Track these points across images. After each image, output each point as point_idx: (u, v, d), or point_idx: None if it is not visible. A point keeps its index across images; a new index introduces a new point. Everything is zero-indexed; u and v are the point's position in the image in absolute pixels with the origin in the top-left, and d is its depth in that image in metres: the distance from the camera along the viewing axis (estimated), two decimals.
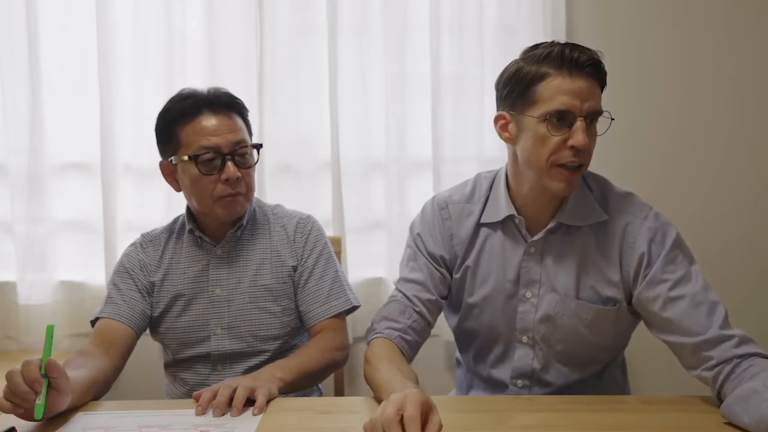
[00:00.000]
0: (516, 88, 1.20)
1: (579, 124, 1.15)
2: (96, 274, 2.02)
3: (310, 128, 2.04)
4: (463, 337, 1.40)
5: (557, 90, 1.15)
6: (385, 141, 2.03)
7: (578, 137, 1.14)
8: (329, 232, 1.93)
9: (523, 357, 1.29)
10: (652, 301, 1.18)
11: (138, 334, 1.43)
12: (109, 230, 1.99)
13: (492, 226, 1.30)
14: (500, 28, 2.02)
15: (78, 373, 1.17)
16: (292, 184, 2.05)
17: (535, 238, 1.26)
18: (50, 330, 1.02)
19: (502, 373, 1.33)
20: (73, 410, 1.12)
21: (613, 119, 1.19)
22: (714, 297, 1.15)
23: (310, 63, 2.02)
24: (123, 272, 1.47)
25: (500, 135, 1.25)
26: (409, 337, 1.28)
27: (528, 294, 1.27)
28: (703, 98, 2.07)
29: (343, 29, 2.00)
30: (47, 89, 2.00)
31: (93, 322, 1.43)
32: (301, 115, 2.04)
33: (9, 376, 1.02)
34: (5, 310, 2.05)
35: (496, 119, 1.25)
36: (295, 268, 1.48)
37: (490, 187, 1.32)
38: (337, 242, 1.77)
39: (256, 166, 1.47)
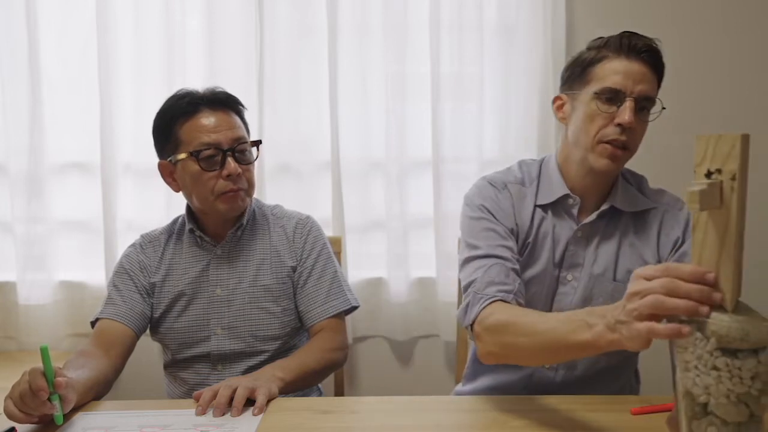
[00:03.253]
0: (575, 70, 1.27)
1: (628, 103, 1.19)
2: (96, 274, 2.03)
3: (310, 128, 2.04)
4: None
5: (612, 70, 1.21)
6: (385, 141, 2.03)
7: (624, 115, 1.18)
8: (329, 232, 1.94)
9: None
10: None
11: (138, 335, 1.43)
12: (109, 230, 2.00)
13: (544, 208, 1.31)
14: (500, 28, 2.02)
15: (78, 374, 1.17)
16: (292, 184, 2.05)
17: (586, 221, 1.28)
18: (45, 351, 1.04)
19: None
20: (73, 410, 1.12)
21: (664, 108, 1.23)
22: None
23: (310, 63, 2.02)
24: (123, 273, 1.47)
25: (556, 115, 1.33)
26: (522, 302, 1.19)
27: (569, 277, 1.29)
28: (703, 98, 2.07)
29: (343, 29, 2.00)
30: (47, 89, 2.00)
31: (93, 323, 1.43)
32: (301, 115, 2.04)
33: (17, 390, 1.04)
34: (5, 310, 2.05)
35: (554, 101, 1.33)
36: (294, 269, 1.49)
37: (539, 171, 1.35)
38: (337, 242, 1.77)
39: (256, 164, 1.48)
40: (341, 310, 1.47)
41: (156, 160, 1.47)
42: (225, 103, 1.43)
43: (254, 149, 1.46)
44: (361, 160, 2.05)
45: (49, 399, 1.02)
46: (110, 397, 1.28)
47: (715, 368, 0.70)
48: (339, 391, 1.75)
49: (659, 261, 1.27)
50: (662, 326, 0.74)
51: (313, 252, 1.49)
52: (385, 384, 2.12)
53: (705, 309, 0.71)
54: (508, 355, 1.11)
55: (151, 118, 1.45)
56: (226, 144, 1.38)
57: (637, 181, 1.35)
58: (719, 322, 0.70)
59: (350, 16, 2.01)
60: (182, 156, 1.39)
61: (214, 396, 1.13)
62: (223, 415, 1.11)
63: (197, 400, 1.15)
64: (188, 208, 1.50)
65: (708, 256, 0.73)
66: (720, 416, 0.71)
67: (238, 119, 1.44)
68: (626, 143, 1.21)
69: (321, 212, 1.97)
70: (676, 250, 1.26)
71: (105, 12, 1.96)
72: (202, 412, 1.12)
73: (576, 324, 0.93)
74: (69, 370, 1.17)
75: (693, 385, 0.72)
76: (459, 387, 1.48)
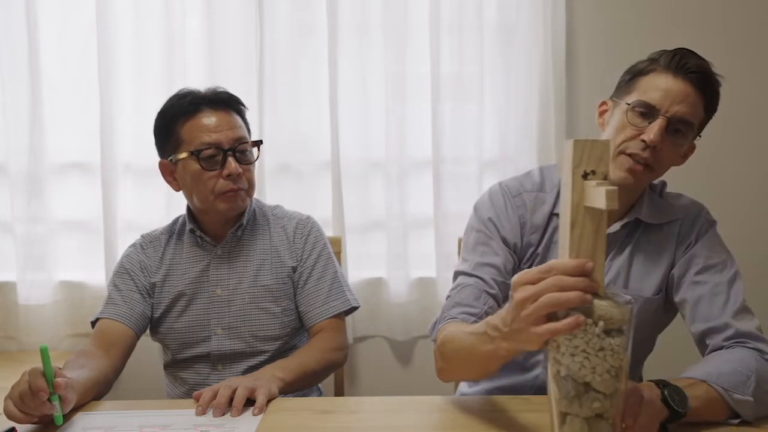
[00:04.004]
0: (625, 78, 1.23)
1: (659, 121, 1.14)
2: (96, 274, 2.03)
3: (310, 128, 2.04)
4: None
5: (654, 84, 1.17)
6: (385, 141, 2.03)
7: (650, 132, 1.14)
8: (329, 232, 1.94)
9: None
10: (682, 277, 1.21)
11: (138, 335, 1.43)
12: (109, 230, 2.00)
13: None
14: (500, 28, 2.02)
15: (78, 374, 1.17)
16: (292, 184, 2.05)
17: (609, 231, 1.25)
18: (45, 351, 1.04)
19: (536, 359, 1.32)
20: (73, 410, 1.12)
21: (700, 136, 1.19)
22: (744, 302, 1.17)
23: (310, 63, 2.02)
24: (123, 273, 1.47)
25: (597, 121, 1.28)
26: None
27: None
28: None
29: (343, 29, 2.00)
30: (47, 89, 2.00)
31: (93, 323, 1.43)
32: (301, 115, 2.04)
33: (16, 390, 1.03)
34: (5, 310, 2.05)
35: (600, 105, 1.28)
36: (294, 269, 1.49)
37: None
38: (337, 242, 1.78)
39: (256, 164, 1.48)
40: (341, 310, 1.47)
41: (156, 159, 1.47)
42: (226, 102, 1.43)
43: (255, 149, 1.46)
44: (361, 160, 2.05)
45: (49, 399, 1.02)
46: (110, 397, 1.28)
47: (602, 349, 0.78)
48: (339, 391, 1.75)
49: (673, 266, 1.26)
50: (562, 323, 0.78)
51: (314, 252, 1.49)
52: (385, 384, 2.12)
53: (589, 297, 0.78)
54: (452, 370, 1.13)
55: (151, 118, 1.45)
56: (227, 144, 1.39)
57: (659, 187, 1.32)
58: (604, 307, 0.78)
59: (350, 16, 2.01)
60: (183, 155, 1.39)
61: (214, 396, 1.13)
62: (223, 415, 1.11)
63: (197, 400, 1.15)
64: (189, 208, 1.50)
65: (585, 248, 0.79)
66: (602, 391, 0.79)
67: (239, 119, 1.44)
68: (648, 161, 1.16)
69: (321, 212, 1.97)
70: (685, 251, 1.24)
71: (105, 12, 1.96)
72: (202, 412, 1.11)
73: (481, 337, 0.96)
74: (69, 370, 1.17)
75: (580, 368, 0.79)
76: (464, 388, 1.48)
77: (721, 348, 1.12)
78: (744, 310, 1.16)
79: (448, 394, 1.59)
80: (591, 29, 2.04)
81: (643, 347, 1.34)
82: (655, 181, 1.32)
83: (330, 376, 1.50)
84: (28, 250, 2.01)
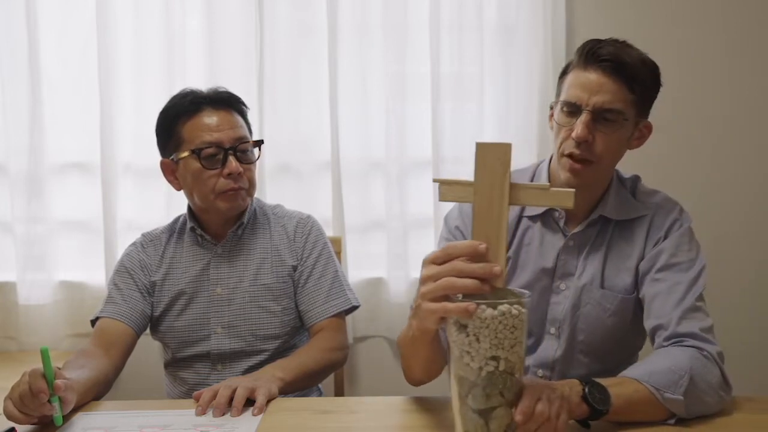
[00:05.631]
0: (558, 80, 1.25)
1: (582, 116, 1.15)
2: (96, 274, 2.02)
3: (310, 128, 2.04)
4: None
5: (571, 82, 1.18)
6: (385, 141, 2.03)
7: (577, 129, 1.15)
8: (329, 232, 1.93)
9: (546, 348, 1.29)
10: (646, 274, 1.21)
11: (138, 334, 1.43)
12: (109, 230, 2.00)
13: (532, 218, 1.30)
14: (500, 28, 2.02)
15: (78, 374, 1.17)
16: (292, 184, 2.05)
17: (576, 230, 1.27)
18: (45, 353, 1.04)
19: (525, 363, 1.32)
20: (73, 410, 1.12)
21: (626, 120, 1.17)
22: (697, 302, 1.16)
23: (310, 63, 2.02)
24: (123, 272, 1.47)
25: (549, 125, 1.29)
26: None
27: (562, 286, 1.28)
28: (703, 97, 2.07)
29: (343, 29, 2.00)
30: (47, 89, 2.00)
31: (93, 322, 1.43)
32: (301, 115, 2.04)
33: (16, 391, 1.03)
34: (5, 310, 2.05)
35: (550, 110, 1.28)
36: (295, 268, 1.49)
37: (531, 181, 1.33)
38: (337, 242, 1.78)
39: (257, 164, 1.48)
40: (342, 309, 1.47)
41: (156, 159, 1.47)
42: (227, 102, 1.44)
43: (256, 149, 1.46)
44: (361, 160, 2.05)
45: (48, 400, 1.02)
46: (110, 397, 1.28)
47: (513, 330, 0.81)
48: (339, 391, 1.75)
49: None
50: (453, 305, 0.81)
51: (314, 251, 1.49)
52: (385, 384, 2.12)
53: (487, 287, 0.81)
54: (405, 366, 1.18)
55: (151, 118, 1.46)
56: (228, 143, 1.39)
57: (631, 183, 1.32)
58: (507, 301, 0.81)
59: (350, 16, 2.01)
60: (184, 154, 1.39)
61: (214, 396, 1.13)
62: (223, 415, 1.11)
63: (197, 400, 1.15)
64: (189, 207, 1.50)
65: (484, 238, 0.83)
66: (510, 372, 0.82)
67: (240, 119, 1.44)
68: (586, 157, 1.17)
69: (321, 212, 1.97)
70: (654, 247, 1.23)
71: (105, 12, 1.96)
72: (202, 412, 1.11)
73: (407, 324, 1.02)
74: (69, 370, 1.17)
75: (498, 349, 0.81)
76: None
77: (661, 347, 1.13)
78: (694, 310, 1.15)
79: (447, 394, 1.59)
80: (591, 29, 2.03)
81: (627, 348, 1.33)
82: (626, 176, 1.32)
83: (330, 376, 1.50)
84: (28, 250, 2.01)
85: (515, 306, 0.80)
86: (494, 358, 0.81)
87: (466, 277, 0.81)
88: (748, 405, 1.13)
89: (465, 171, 2.03)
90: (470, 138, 2.03)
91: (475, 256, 0.81)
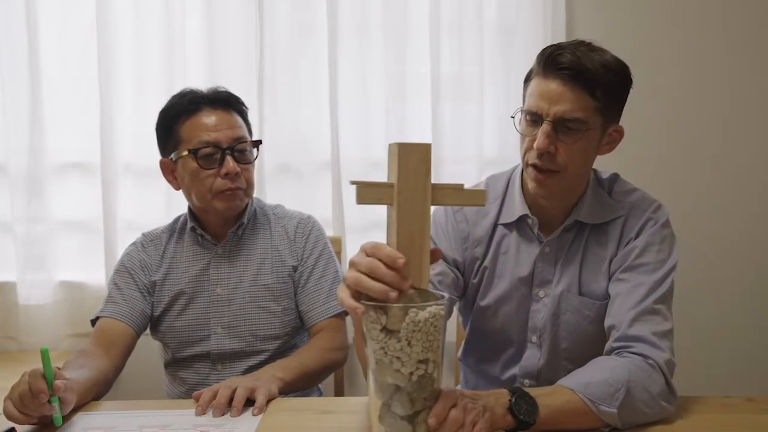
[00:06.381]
0: (524, 84, 1.21)
1: (543, 126, 1.12)
2: (96, 274, 2.03)
3: (310, 128, 2.04)
4: (476, 338, 1.38)
5: (532, 91, 1.15)
6: (385, 141, 2.03)
7: (538, 140, 1.12)
8: (329, 232, 1.94)
9: (530, 357, 1.29)
10: (614, 273, 1.20)
11: (138, 334, 1.43)
12: (109, 230, 2.00)
13: (508, 226, 1.28)
14: (500, 28, 2.02)
15: (78, 374, 1.17)
16: (292, 184, 2.05)
17: (550, 237, 1.25)
18: (45, 353, 1.04)
19: (511, 373, 1.32)
20: (73, 410, 1.12)
21: (589, 129, 1.12)
22: (656, 305, 1.13)
23: (310, 63, 2.02)
24: (124, 271, 1.47)
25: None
26: None
27: (541, 294, 1.26)
28: (703, 97, 2.07)
29: (343, 29, 2.00)
30: (47, 89, 2.00)
31: (93, 322, 1.43)
32: (301, 115, 2.04)
33: (16, 392, 1.03)
34: (5, 310, 2.05)
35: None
36: (295, 268, 1.49)
37: (506, 187, 1.31)
38: (337, 242, 1.77)
39: (256, 164, 1.48)
40: (342, 310, 1.47)
41: (156, 159, 1.47)
42: (226, 102, 1.44)
43: (254, 149, 1.46)
44: (361, 160, 2.05)
45: (48, 401, 1.02)
46: (110, 397, 1.28)
47: (439, 331, 0.81)
48: (339, 391, 1.75)
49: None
50: (347, 300, 0.80)
51: (315, 252, 1.49)
52: None
53: (394, 295, 0.78)
54: (357, 338, 1.16)
55: (151, 118, 1.46)
56: (226, 143, 1.39)
57: (609, 183, 1.28)
58: (434, 302, 0.80)
59: (350, 16, 2.01)
60: (182, 154, 1.39)
61: (214, 396, 1.13)
62: (223, 415, 1.11)
63: (197, 400, 1.15)
64: (190, 207, 1.50)
65: (404, 245, 0.81)
66: (433, 375, 0.81)
67: (239, 119, 1.44)
68: (549, 167, 1.14)
69: (321, 212, 1.97)
70: (624, 248, 1.21)
71: (105, 12, 1.96)
72: (201, 412, 1.11)
73: None
74: (69, 370, 1.17)
75: (428, 352, 0.79)
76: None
77: (611, 350, 1.12)
78: (651, 312, 1.12)
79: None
80: (591, 29, 2.03)
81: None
82: (605, 176, 1.29)
83: (330, 376, 1.50)
84: (28, 250, 2.01)
85: (442, 307, 0.80)
86: (424, 361, 0.80)
87: (376, 279, 0.79)
88: (748, 405, 1.13)
89: (465, 171, 2.03)
90: (470, 138, 2.03)
91: (393, 267, 0.79)
